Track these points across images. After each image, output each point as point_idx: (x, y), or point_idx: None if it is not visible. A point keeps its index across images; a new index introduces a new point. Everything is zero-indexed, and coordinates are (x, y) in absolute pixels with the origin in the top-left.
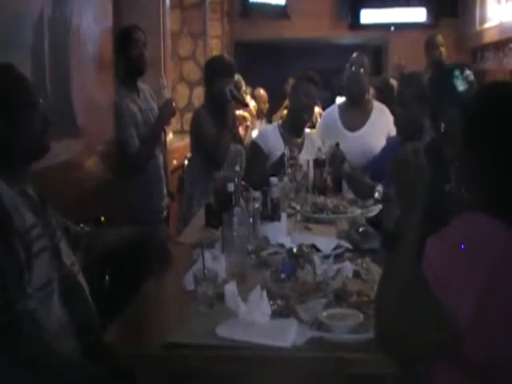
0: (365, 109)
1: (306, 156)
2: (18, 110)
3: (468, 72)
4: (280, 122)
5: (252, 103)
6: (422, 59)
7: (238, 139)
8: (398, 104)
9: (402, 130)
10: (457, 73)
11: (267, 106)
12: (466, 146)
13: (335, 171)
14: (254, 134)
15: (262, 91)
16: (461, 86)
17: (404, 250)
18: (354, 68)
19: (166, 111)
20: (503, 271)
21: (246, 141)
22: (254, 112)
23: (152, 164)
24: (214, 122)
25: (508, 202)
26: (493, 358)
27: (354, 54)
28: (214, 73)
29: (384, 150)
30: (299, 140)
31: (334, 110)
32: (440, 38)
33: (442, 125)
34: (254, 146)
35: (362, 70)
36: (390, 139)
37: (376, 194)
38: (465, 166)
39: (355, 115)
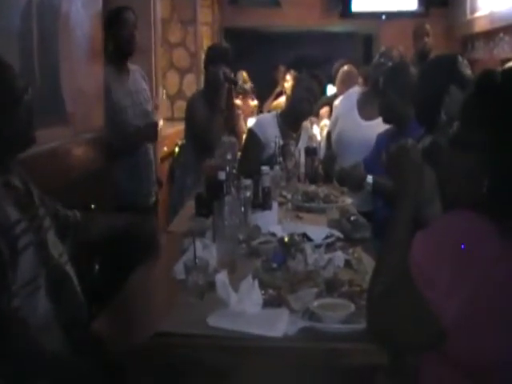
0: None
1: (300, 146)
2: (3, 101)
3: (465, 59)
4: (278, 111)
5: (255, 102)
6: (412, 48)
7: (234, 131)
8: (381, 92)
9: (386, 118)
10: (459, 59)
11: (250, 84)
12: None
13: (327, 170)
14: (250, 123)
15: (244, 73)
16: (465, 71)
17: (395, 243)
18: (382, 59)
19: (147, 134)
20: (494, 276)
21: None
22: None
23: (141, 150)
24: (209, 108)
25: (505, 203)
26: (479, 359)
27: (383, 48)
28: (209, 59)
29: (374, 148)
30: (296, 134)
31: (353, 95)
32: (427, 27)
33: (443, 115)
34: (251, 135)
35: (390, 63)
36: (379, 136)
37: (367, 187)
38: (467, 160)
39: (373, 105)
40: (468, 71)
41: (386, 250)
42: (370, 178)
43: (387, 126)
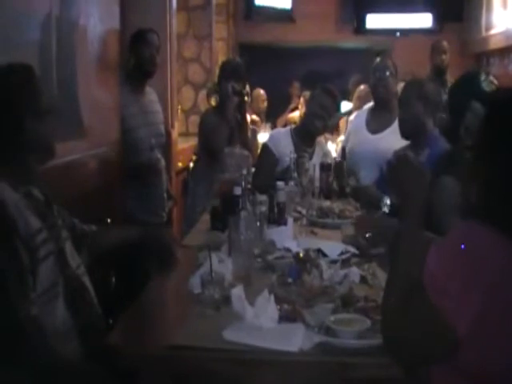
0: (391, 113)
1: (315, 161)
2: (33, 113)
3: (491, 76)
4: (292, 126)
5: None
6: (427, 65)
7: (246, 144)
8: (400, 105)
9: (404, 132)
10: (483, 76)
11: (265, 104)
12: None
13: (340, 182)
14: (261, 137)
15: (261, 91)
16: (487, 87)
17: (405, 254)
18: (378, 74)
19: (148, 169)
20: (504, 286)
21: (254, 145)
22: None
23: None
24: (219, 121)
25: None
26: (492, 370)
27: (378, 59)
28: (221, 75)
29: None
30: (310, 149)
31: (363, 112)
32: (445, 44)
33: (463, 129)
34: (265, 149)
35: (386, 75)
36: (396, 153)
37: (384, 208)
38: (481, 173)
39: (380, 118)
40: (491, 87)
41: (397, 261)
42: (386, 199)
43: (394, 139)
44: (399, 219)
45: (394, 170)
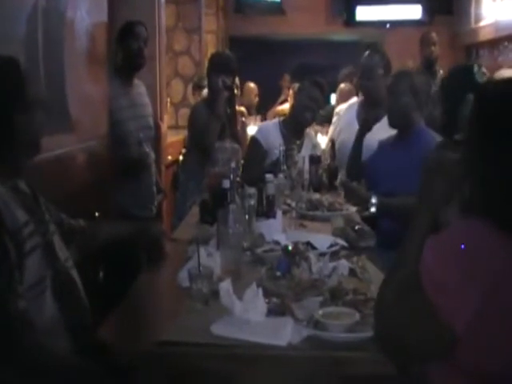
0: (380, 107)
1: (304, 154)
2: (20, 107)
3: (483, 68)
4: (281, 119)
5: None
6: (417, 56)
7: (236, 138)
8: (389, 96)
9: (393, 122)
10: (475, 68)
11: (257, 99)
12: (479, 145)
13: (330, 174)
14: (250, 130)
15: (251, 84)
16: (480, 79)
17: (406, 251)
18: (363, 79)
19: (137, 164)
20: (502, 284)
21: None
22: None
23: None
24: (210, 114)
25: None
26: (491, 369)
27: (364, 57)
28: (211, 67)
29: (376, 154)
30: (299, 141)
31: (354, 105)
32: (434, 36)
33: (460, 122)
34: (254, 142)
35: (372, 78)
36: (382, 143)
37: (372, 208)
38: (476, 169)
39: (370, 111)
40: (484, 79)
41: (400, 258)
42: (374, 198)
43: (383, 133)
44: (412, 218)
45: (430, 172)
